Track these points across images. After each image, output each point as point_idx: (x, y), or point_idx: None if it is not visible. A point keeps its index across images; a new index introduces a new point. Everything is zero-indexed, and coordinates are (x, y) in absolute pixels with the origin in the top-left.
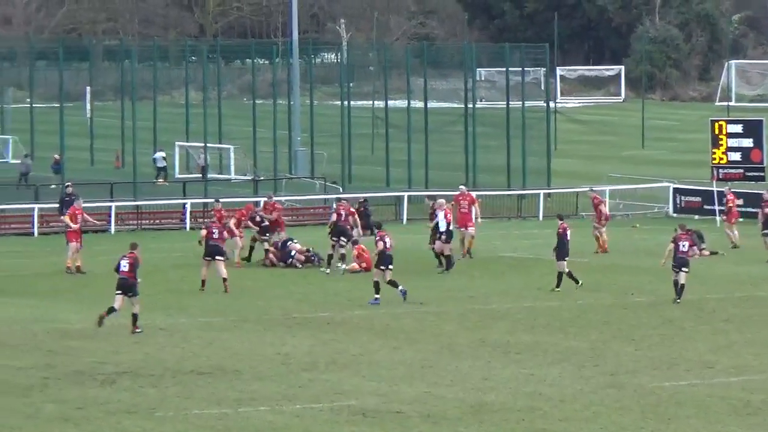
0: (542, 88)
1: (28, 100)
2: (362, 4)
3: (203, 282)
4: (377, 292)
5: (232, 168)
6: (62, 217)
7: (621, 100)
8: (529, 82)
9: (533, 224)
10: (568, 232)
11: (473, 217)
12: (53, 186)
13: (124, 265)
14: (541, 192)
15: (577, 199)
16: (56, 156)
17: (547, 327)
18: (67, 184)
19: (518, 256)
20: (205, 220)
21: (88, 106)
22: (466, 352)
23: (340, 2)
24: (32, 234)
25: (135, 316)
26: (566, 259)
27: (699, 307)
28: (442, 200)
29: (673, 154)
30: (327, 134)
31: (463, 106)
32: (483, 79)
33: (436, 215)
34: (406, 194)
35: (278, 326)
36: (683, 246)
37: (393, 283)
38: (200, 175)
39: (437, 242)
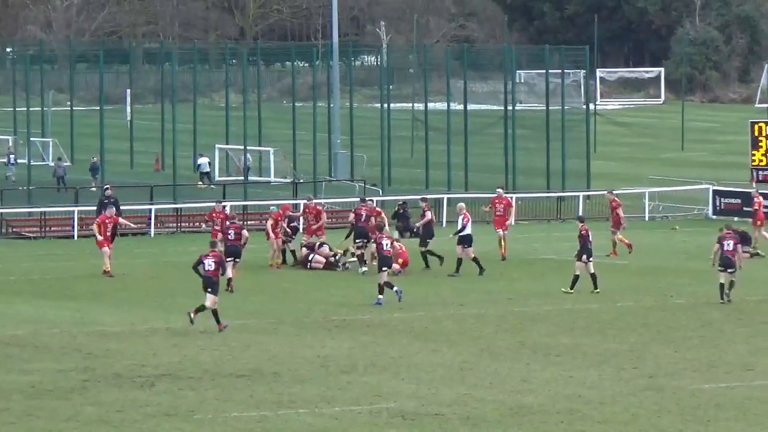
0: (582, 90)
1: (69, 102)
2: (402, 6)
3: (229, 281)
4: (381, 293)
5: (272, 170)
6: (92, 227)
7: (661, 102)
8: (569, 83)
9: (572, 226)
10: (590, 234)
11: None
12: (93, 188)
13: (210, 264)
14: (581, 194)
15: None
16: (94, 158)
17: (587, 329)
18: (106, 186)
19: (558, 258)
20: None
21: (128, 109)
22: (505, 355)
23: (380, 5)
24: (72, 237)
25: (215, 313)
26: (590, 260)
27: (739, 309)
28: (462, 204)
29: (712, 156)
30: (367, 137)
31: (502, 108)
32: (522, 81)
33: (425, 215)
34: (445, 196)
35: (317, 329)
36: (728, 245)
37: (388, 285)
38: (241, 178)
39: (458, 247)
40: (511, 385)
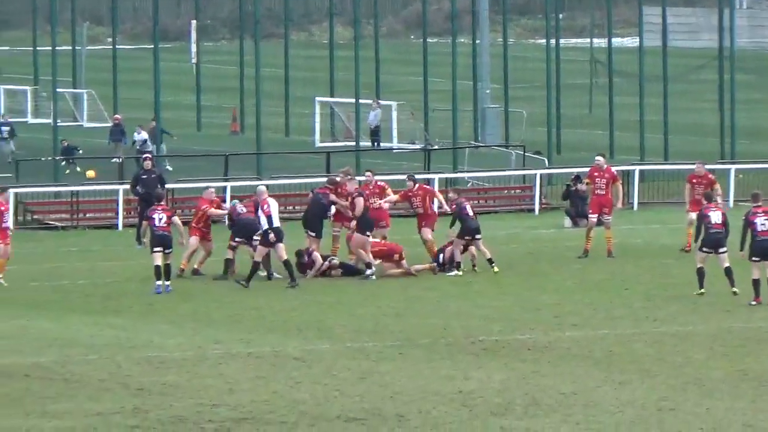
0: None
1: (110, 39)
2: None
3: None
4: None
5: (395, 133)
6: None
7: None
8: None
9: None
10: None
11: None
12: (115, 159)
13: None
14: None
15: None
16: (117, 116)
17: None
18: (145, 156)
19: None
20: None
21: (194, 48)
22: (720, 389)
23: None
24: (116, 226)
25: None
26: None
27: None
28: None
29: None
30: (527, 86)
31: (716, 45)
32: (744, 7)
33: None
34: (637, 168)
35: (458, 353)
36: None
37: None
38: (351, 143)
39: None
40: (730, 431)
